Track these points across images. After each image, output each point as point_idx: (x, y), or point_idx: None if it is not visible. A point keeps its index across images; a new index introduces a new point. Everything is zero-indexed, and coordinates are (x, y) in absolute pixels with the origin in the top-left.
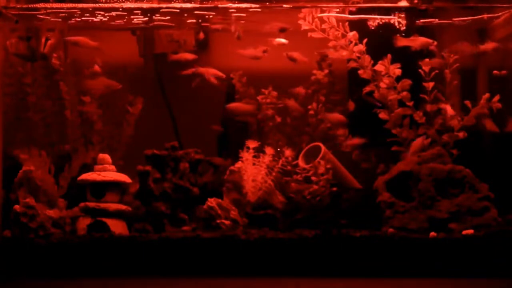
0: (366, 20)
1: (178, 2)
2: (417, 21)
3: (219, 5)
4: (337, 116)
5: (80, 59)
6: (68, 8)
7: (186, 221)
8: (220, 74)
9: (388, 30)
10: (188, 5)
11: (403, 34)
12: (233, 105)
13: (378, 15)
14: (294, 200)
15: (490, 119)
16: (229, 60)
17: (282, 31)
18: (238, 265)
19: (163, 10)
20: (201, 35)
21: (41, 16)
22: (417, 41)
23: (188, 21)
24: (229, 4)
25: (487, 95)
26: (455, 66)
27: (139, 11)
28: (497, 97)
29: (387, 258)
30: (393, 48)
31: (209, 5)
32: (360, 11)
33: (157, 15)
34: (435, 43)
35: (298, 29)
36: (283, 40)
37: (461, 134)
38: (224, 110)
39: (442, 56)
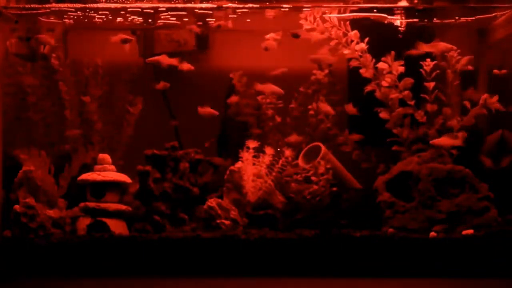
0: (367, 19)
1: (179, 2)
2: (417, 21)
3: (218, 5)
4: (326, 107)
5: (80, 59)
6: (68, 8)
7: (186, 221)
8: (279, 90)
9: (389, 29)
10: (189, 5)
11: (403, 33)
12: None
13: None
14: (294, 200)
15: (489, 159)
16: (229, 60)
17: (296, 37)
18: (238, 265)
19: (164, 10)
20: (197, 30)
21: (41, 17)
22: (438, 47)
23: (188, 20)
24: (229, 4)
25: (485, 95)
26: (456, 66)
27: (138, 11)
28: (496, 98)
29: (387, 258)
30: (393, 47)
31: (209, 5)
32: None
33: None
34: (455, 48)
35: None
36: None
37: (460, 135)
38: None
39: (444, 56)
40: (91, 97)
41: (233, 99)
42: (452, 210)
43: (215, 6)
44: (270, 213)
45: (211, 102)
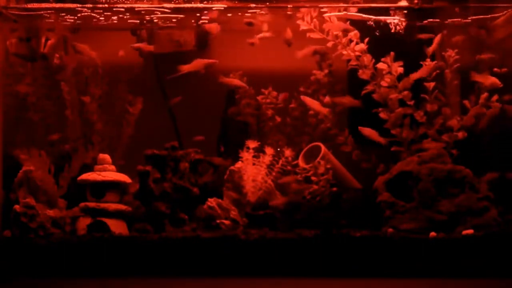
0: (367, 19)
1: (179, 3)
2: (417, 21)
3: (218, 5)
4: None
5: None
6: (68, 8)
7: (186, 221)
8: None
9: (389, 29)
10: (189, 5)
11: (403, 33)
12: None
13: (378, 14)
14: (294, 200)
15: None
16: (229, 60)
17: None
18: (238, 265)
19: (164, 10)
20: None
21: (46, 17)
22: (488, 80)
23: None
24: (229, 5)
25: (485, 94)
26: (455, 66)
27: (138, 11)
28: (495, 97)
29: (387, 258)
30: (393, 47)
31: (209, 5)
32: (360, 10)
33: (156, 13)
34: (501, 85)
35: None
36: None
37: (460, 134)
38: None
39: (442, 56)
40: (91, 97)
41: (233, 110)
42: (452, 210)
43: (217, 6)
44: (270, 213)
45: (211, 103)
